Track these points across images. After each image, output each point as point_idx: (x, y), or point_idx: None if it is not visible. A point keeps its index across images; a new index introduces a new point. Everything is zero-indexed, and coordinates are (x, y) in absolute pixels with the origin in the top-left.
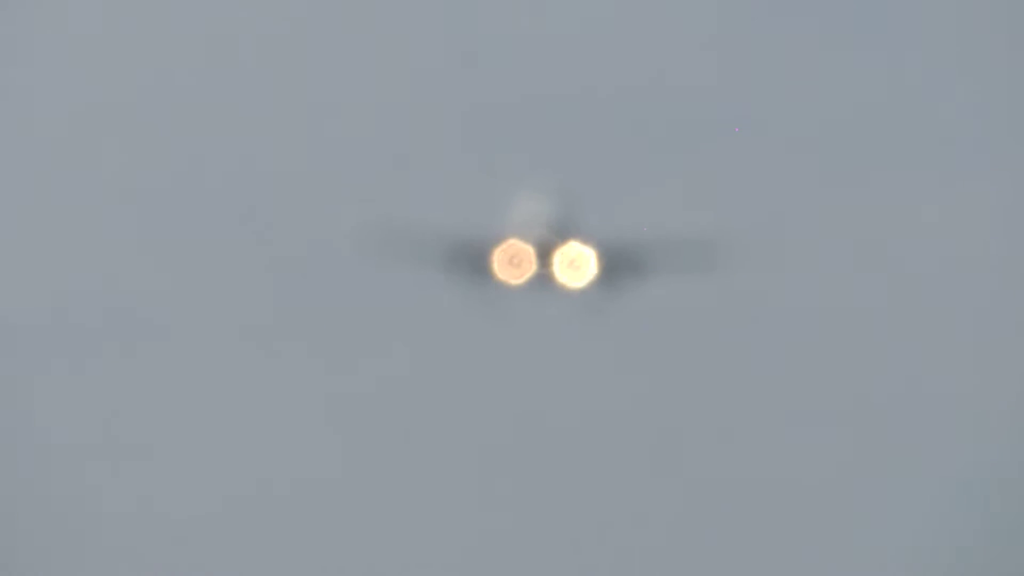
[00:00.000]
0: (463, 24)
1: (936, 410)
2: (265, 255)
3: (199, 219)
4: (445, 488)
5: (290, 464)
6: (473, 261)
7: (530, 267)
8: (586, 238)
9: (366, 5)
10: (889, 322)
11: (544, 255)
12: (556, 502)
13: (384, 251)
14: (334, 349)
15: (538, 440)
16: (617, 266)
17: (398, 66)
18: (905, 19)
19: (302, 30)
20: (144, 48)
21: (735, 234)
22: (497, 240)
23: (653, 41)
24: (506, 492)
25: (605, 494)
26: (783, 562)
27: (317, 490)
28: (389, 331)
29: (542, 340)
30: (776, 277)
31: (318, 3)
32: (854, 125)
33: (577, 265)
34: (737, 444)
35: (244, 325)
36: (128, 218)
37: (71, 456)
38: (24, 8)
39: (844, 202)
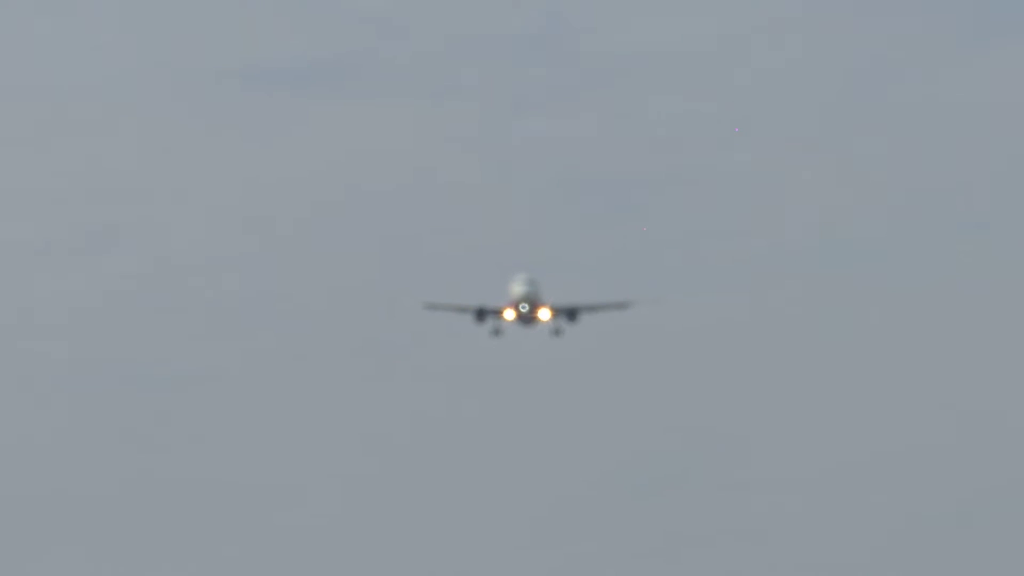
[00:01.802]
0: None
1: None
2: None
3: None
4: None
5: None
6: (492, 312)
7: (519, 313)
8: (545, 300)
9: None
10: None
11: (526, 308)
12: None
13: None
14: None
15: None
16: (561, 314)
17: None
18: None
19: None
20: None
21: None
22: (503, 303)
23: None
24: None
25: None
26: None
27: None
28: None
29: (527, 348)
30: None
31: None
32: None
33: (542, 313)
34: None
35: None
36: None
37: None
38: None
39: None
